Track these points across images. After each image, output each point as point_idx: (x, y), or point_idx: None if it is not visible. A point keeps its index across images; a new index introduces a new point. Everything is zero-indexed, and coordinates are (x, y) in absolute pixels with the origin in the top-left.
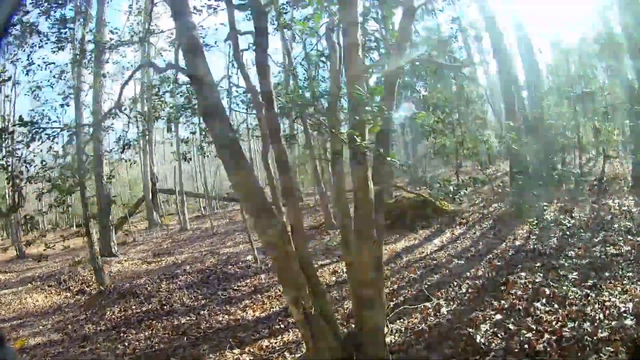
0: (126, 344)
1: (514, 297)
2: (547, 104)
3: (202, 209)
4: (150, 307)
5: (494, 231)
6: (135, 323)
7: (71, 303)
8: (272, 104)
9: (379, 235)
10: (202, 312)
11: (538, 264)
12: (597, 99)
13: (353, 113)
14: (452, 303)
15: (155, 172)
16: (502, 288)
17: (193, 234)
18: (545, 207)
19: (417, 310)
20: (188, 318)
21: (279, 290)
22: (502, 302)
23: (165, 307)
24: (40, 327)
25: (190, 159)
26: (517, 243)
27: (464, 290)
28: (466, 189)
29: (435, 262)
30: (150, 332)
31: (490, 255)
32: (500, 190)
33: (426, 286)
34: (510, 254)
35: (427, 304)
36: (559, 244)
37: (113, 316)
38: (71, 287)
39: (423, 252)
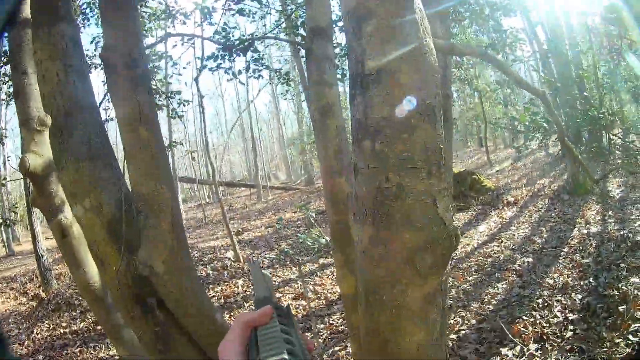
0: None
1: None
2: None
3: (206, 197)
4: (82, 325)
5: (555, 213)
6: (57, 349)
7: (21, 311)
8: None
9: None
10: None
11: None
12: None
13: None
14: (549, 349)
15: None
16: (622, 309)
17: (185, 224)
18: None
19: None
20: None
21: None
22: (633, 339)
23: (99, 326)
24: None
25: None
26: (594, 229)
27: (559, 317)
28: None
29: (490, 259)
30: None
31: (567, 249)
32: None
33: (491, 309)
34: (594, 245)
35: (507, 352)
36: None
37: (39, 336)
38: (28, 291)
39: (468, 245)
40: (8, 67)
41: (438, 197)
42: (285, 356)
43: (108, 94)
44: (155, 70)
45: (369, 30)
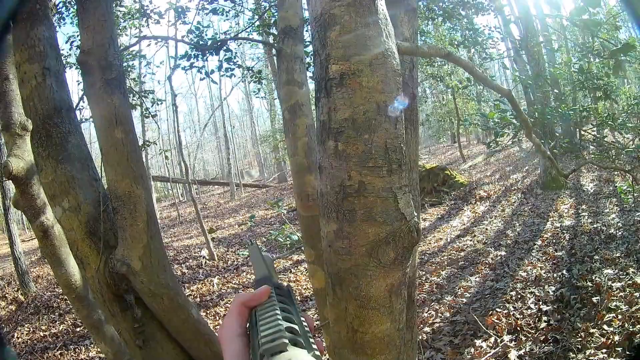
0: None
1: (620, 316)
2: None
3: (180, 196)
4: (62, 328)
5: (528, 207)
6: (38, 352)
7: (1, 316)
8: None
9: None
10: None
11: (618, 254)
12: None
13: None
14: (523, 339)
15: None
16: (595, 300)
17: (160, 223)
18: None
19: None
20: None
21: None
22: (607, 328)
23: (78, 328)
24: None
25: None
26: (568, 223)
27: (533, 309)
28: None
29: (463, 253)
30: None
31: (540, 242)
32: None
33: (465, 302)
34: (567, 238)
35: (481, 344)
36: (625, 222)
37: (20, 340)
38: (7, 295)
39: (441, 240)
40: None
41: (399, 193)
42: (284, 333)
43: (84, 95)
44: (129, 69)
45: (333, 35)
